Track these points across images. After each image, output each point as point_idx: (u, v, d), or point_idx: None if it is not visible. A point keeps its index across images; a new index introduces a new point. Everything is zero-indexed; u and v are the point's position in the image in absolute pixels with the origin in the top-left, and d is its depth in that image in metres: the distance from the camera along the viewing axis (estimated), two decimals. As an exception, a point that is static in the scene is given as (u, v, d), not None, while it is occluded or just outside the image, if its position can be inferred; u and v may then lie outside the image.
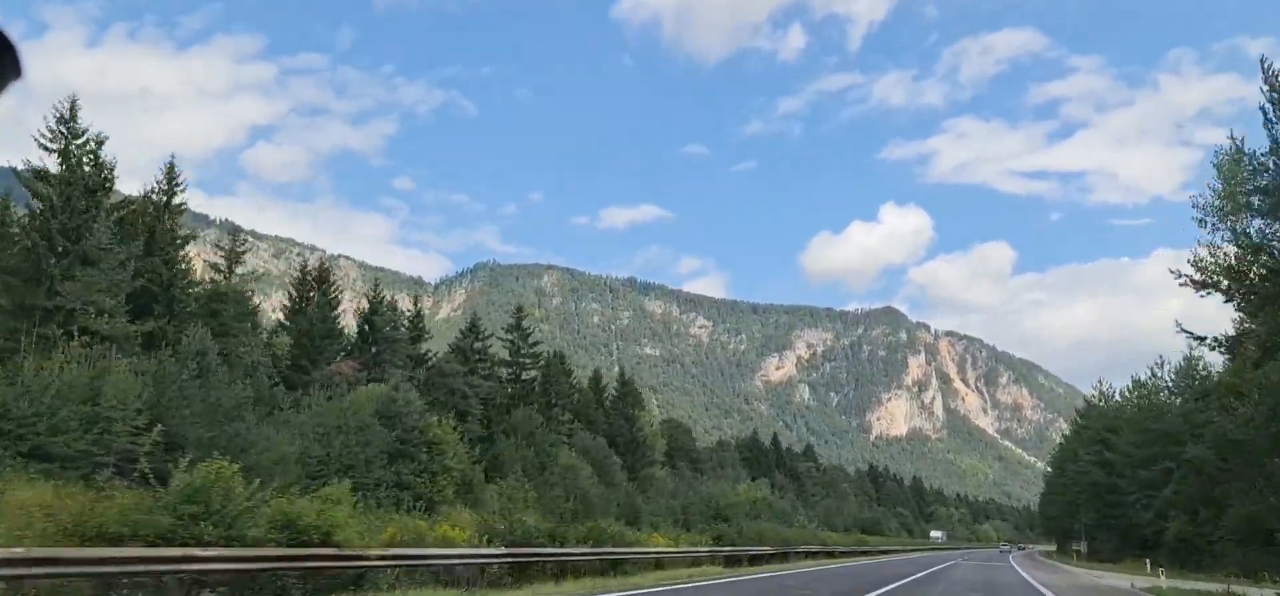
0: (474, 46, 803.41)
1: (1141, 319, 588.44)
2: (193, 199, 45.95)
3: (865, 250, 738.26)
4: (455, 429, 43.08)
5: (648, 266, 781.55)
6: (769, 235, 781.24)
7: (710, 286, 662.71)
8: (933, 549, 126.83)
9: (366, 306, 55.03)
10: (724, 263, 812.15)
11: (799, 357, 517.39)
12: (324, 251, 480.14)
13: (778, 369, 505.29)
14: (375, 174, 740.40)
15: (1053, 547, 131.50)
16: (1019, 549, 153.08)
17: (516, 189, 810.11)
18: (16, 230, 33.45)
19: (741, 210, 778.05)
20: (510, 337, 68.14)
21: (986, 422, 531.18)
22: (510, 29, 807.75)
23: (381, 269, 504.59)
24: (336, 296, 54.62)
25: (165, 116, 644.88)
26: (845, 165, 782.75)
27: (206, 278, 45.23)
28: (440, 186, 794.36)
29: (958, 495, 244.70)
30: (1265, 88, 27.37)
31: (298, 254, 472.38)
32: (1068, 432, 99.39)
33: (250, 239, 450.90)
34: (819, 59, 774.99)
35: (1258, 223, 28.25)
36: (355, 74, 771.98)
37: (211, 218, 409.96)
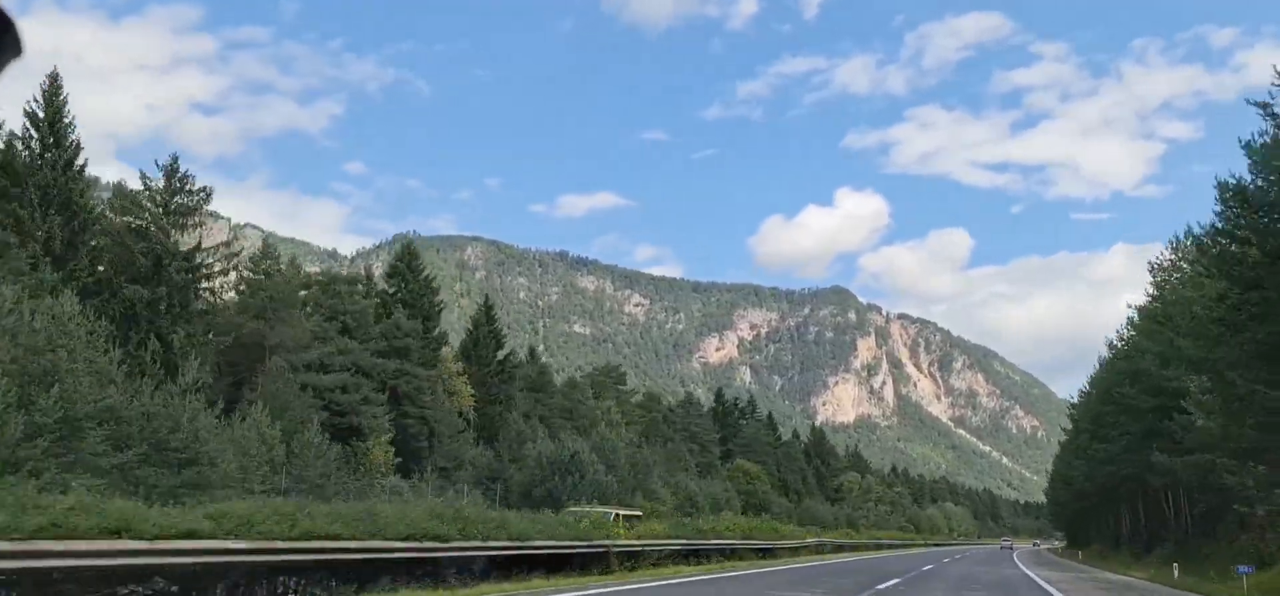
0: (426, 21, 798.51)
1: (1102, 312, 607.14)
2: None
3: (818, 234, 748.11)
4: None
5: (606, 253, 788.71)
6: (725, 222, 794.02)
7: (664, 272, 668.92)
8: None
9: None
10: (682, 250, 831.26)
11: (741, 338, 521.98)
12: (228, 218, 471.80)
13: (717, 350, 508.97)
14: (324, 156, 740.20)
15: (1060, 543, 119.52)
16: (1040, 543, 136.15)
17: (471, 175, 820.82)
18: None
19: (701, 197, 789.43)
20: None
21: (939, 409, 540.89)
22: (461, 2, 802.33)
23: (291, 239, 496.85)
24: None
25: (99, 91, 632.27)
26: (805, 154, 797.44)
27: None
28: (392, 170, 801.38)
29: (894, 469, 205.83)
30: None
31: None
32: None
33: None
34: (772, 28, 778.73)
35: None
36: (301, 49, 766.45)
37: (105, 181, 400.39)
